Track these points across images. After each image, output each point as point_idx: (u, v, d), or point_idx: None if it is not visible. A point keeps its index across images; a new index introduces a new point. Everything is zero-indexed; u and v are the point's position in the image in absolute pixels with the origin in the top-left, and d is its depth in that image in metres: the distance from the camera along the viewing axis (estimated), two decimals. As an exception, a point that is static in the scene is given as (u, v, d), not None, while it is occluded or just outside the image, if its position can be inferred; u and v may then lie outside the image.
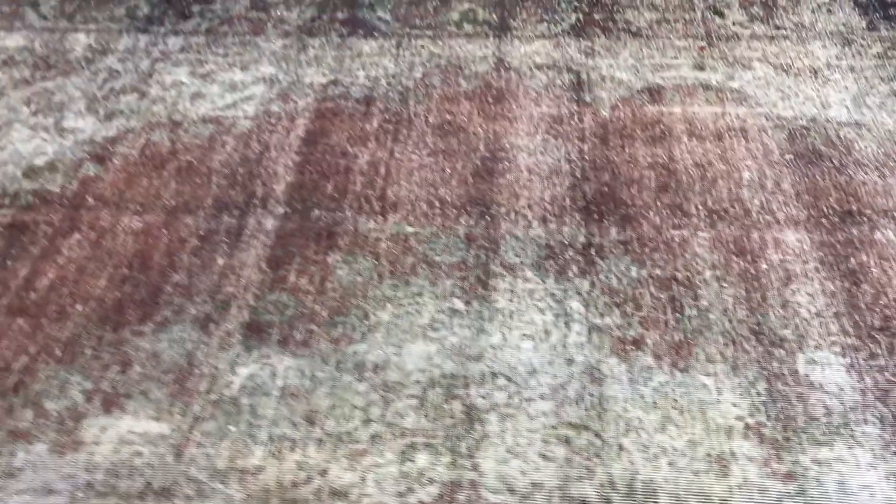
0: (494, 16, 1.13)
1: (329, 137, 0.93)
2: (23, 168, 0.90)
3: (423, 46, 1.07)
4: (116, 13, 1.14)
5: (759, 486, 0.61)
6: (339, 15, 1.14)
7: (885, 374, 0.68)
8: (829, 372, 0.68)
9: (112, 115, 0.97)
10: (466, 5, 1.15)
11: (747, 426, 0.64)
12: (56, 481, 0.62)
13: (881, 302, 0.74)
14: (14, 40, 1.09)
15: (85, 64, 1.05)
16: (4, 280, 0.78)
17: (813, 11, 1.12)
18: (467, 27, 1.11)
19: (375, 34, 1.10)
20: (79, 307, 0.75)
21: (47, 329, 0.73)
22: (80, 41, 1.09)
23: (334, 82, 1.01)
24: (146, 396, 0.67)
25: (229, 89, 1.00)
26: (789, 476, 0.62)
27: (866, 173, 0.87)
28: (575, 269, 0.77)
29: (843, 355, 0.69)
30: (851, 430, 0.64)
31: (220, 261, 0.79)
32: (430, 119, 0.95)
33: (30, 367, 0.70)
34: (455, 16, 1.13)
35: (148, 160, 0.91)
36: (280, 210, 0.84)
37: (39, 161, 0.91)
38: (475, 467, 0.62)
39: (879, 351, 0.70)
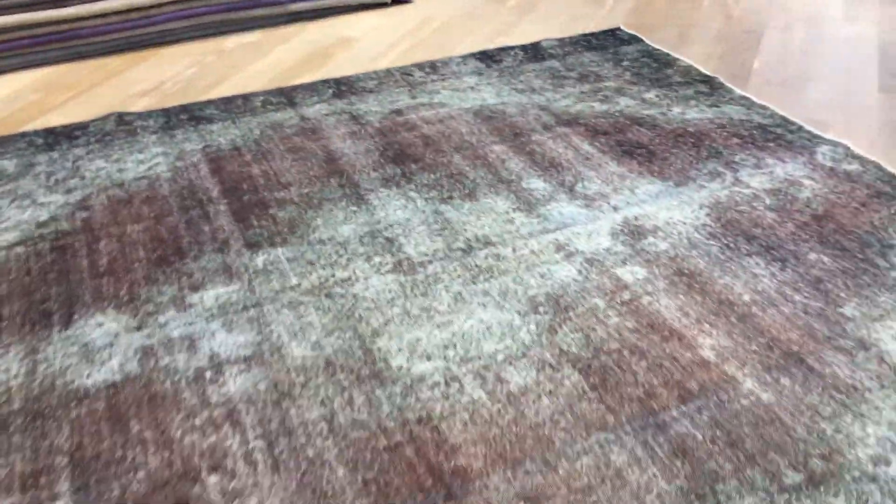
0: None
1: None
2: (34, 223, 1.34)
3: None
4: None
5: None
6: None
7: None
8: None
9: (69, 190, 1.44)
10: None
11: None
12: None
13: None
14: (-49, 174, 1.50)
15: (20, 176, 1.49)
16: (80, 268, 1.23)
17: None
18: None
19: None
20: (136, 265, 1.23)
21: (122, 276, 1.20)
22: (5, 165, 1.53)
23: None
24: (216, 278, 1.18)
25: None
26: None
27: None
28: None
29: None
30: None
31: (206, 227, 1.32)
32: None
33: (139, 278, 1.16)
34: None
35: (114, 202, 1.40)
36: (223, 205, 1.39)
37: (44, 218, 1.35)
38: None
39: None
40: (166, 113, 1.69)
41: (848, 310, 1.12)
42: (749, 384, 1.01)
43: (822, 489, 0.88)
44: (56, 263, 1.25)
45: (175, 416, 0.98)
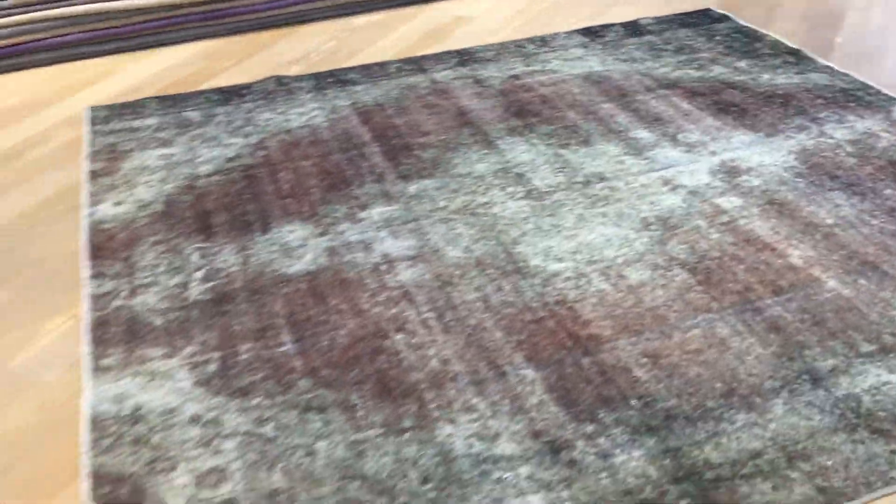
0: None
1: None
2: (224, 159, 1.63)
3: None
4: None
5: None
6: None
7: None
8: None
9: (247, 135, 1.72)
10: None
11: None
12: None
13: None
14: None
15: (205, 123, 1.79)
16: (267, 192, 1.50)
17: None
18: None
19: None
20: (312, 190, 1.50)
21: (302, 198, 1.47)
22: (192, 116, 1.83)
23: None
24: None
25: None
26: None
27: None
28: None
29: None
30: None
31: (363, 164, 1.58)
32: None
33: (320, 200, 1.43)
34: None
35: (285, 144, 1.67)
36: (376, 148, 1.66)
37: (231, 155, 1.64)
38: None
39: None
40: (316, 77, 1.97)
41: (918, 232, 1.31)
42: (831, 283, 1.21)
43: (891, 356, 1.08)
44: (247, 188, 1.53)
45: (362, 295, 1.24)
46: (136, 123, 1.79)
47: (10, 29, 2.11)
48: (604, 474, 0.94)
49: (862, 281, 1.21)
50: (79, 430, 1.03)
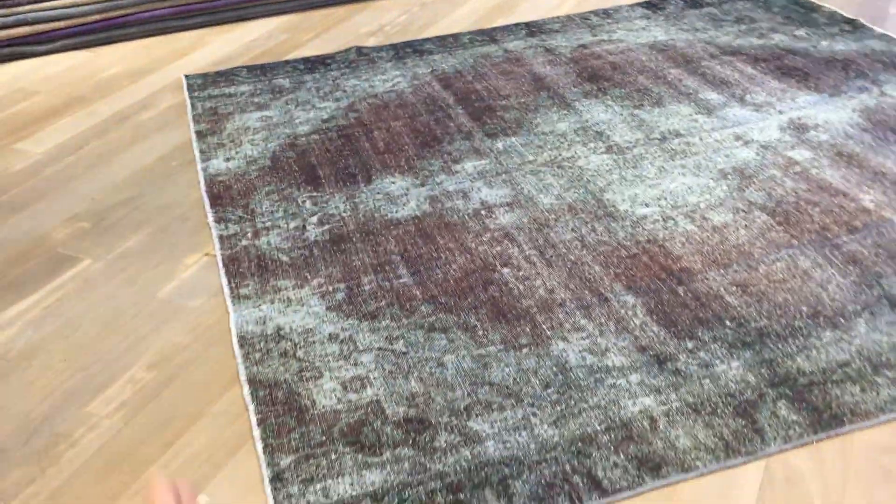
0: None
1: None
2: (319, 120, 1.75)
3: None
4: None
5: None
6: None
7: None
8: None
9: (337, 98, 1.84)
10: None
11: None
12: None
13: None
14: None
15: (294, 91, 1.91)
16: (364, 148, 1.63)
17: None
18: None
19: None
20: (406, 147, 1.62)
21: (398, 153, 1.59)
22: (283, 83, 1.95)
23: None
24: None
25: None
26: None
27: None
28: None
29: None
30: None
31: (451, 124, 1.70)
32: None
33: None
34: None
35: (374, 107, 1.79)
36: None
37: (325, 117, 1.76)
38: None
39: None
40: (394, 47, 2.08)
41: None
42: (902, 223, 1.31)
43: (963, 283, 1.18)
44: (346, 145, 1.65)
45: (467, 236, 1.36)
46: (231, 90, 1.91)
47: (100, 4, 2.25)
48: (707, 381, 1.05)
49: (931, 221, 1.31)
50: (230, 346, 1.16)
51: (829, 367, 1.06)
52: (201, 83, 1.95)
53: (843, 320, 1.13)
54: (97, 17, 2.22)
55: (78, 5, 2.19)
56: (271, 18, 2.31)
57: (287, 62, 2.04)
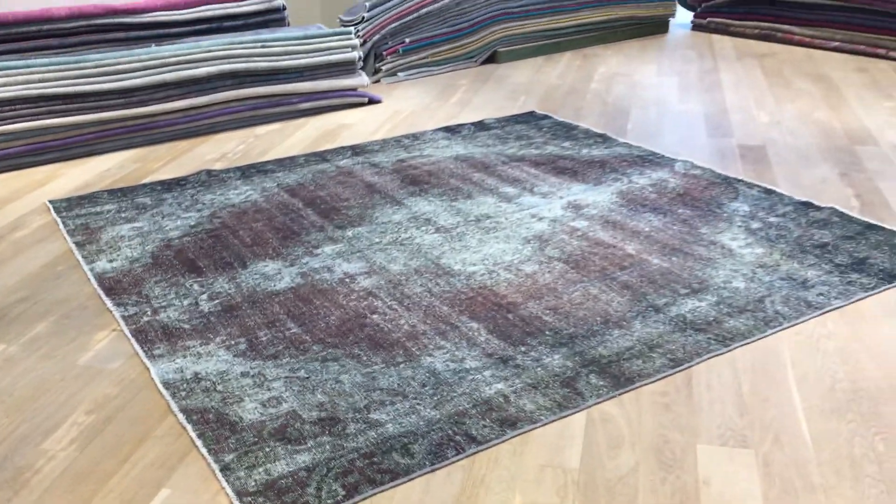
0: (315, 160, 2.54)
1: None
2: (188, 226, 2.01)
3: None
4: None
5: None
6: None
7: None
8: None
9: (199, 210, 2.12)
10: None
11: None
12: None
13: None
14: (103, 209, 2.15)
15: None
16: (233, 244, 1.91)
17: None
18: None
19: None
20: (270, 241, 1.92)
21: (265, 246, 1.89)
22: (141, 201, 2.20)
23: (277, 186, 2.32)
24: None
25: (237, 196, 2.23)
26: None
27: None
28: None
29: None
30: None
31: (305, 221, 2.04)
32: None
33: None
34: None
35: (235, 214, 2.09)
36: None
37: (192, 223, 2.03)
38: None
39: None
40: (240, 169, 2.41)
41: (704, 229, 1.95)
42: (655, 261, 1.80)
43: (699, 294, 1.67)
44: (217, 243, 1.93)
45: (338, 296, 1.68)
46: (98, 209, 2.14)
47: (-53, 146, 2.39)
48: (539, 369, 1.43)
49: (674, 258, 1.82)
50: (156, 391, 1.38)
51: (620, 351, 1.47)
52: (66, 205, 2.16)
53: (625, 322, 1.57)
54: (-53, 155, 2.36)
55: (-72, 145, 2.33)
56: (121, 152, 2.57)
57: (145, 185, 2.30)
